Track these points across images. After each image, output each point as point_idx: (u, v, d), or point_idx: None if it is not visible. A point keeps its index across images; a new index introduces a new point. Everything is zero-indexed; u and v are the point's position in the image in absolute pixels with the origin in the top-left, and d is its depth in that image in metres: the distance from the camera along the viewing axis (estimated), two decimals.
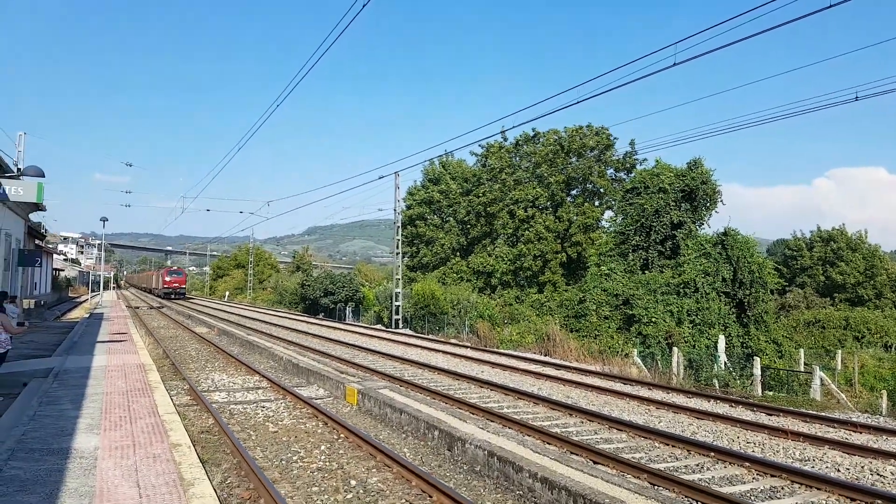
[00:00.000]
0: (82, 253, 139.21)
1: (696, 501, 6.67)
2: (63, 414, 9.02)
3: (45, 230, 48.35)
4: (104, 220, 48.78)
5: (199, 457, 7.18)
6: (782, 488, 7.50)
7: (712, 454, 8.72)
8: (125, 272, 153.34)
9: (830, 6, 10.45)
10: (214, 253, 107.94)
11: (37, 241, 39.41)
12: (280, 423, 10.46)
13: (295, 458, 8.39)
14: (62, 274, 78.00)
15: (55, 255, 70.14)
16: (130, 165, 43.45)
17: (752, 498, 7.11)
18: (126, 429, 8.20)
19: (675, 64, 12.68)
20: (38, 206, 27.04)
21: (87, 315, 35.21)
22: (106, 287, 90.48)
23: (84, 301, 54.55)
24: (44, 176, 18.73)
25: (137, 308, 46.53)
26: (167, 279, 63.58)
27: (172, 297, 62.15)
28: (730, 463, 8.39)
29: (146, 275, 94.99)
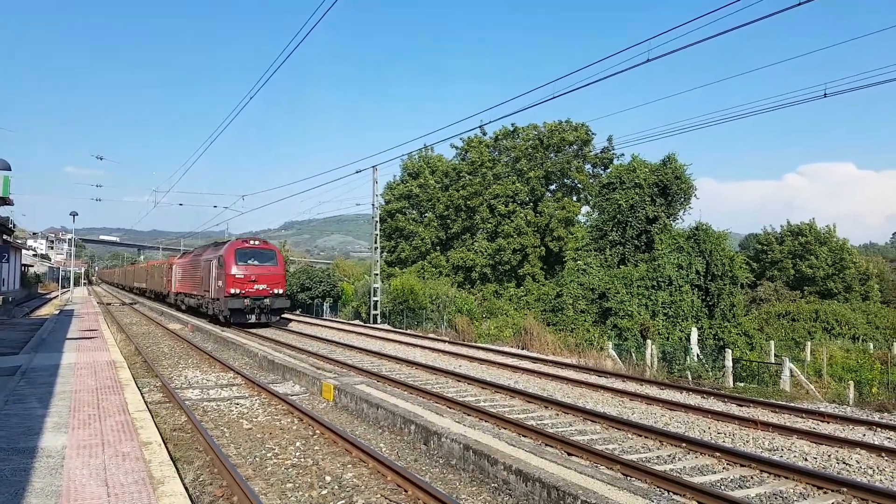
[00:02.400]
0: (52, 248, 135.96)
1: (668, 491, 6.77)
2: (30, 412, 8.80)
3: (13, 225, 47.05)
4: (74, 214, 47.67)
5: (170, 455, 7.06)
6: (752, 477, 7.67)
7: (684, 445, 8.87)
8: (97, 267, 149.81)
9: (799, 4, 10.63)
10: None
11: (4, 237, 38.32)
12: (254, 420, 10.35)
13: (269, 454, 8.31)
14: (31, 270, 76.20)
15: (24, 251, 68.42)
16: (101, 158, 42.21)
17: (722, 487, 7.25)
18: (95, 427, 8.03)
19: (648, 60, 12.77)
20: (4, 201, 26.30)
21: (58, 312, 34.43)
22: (77, 283, 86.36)
23: (54, 297, 53.31)
24: (10, 169, 18.29)
25: (109, 304, 45.62)
26: (235, 273, 24.70)
27: (254, 319, 25.04)
28: (701, 453, 8.55)
29: (157, 266, 50.51)
